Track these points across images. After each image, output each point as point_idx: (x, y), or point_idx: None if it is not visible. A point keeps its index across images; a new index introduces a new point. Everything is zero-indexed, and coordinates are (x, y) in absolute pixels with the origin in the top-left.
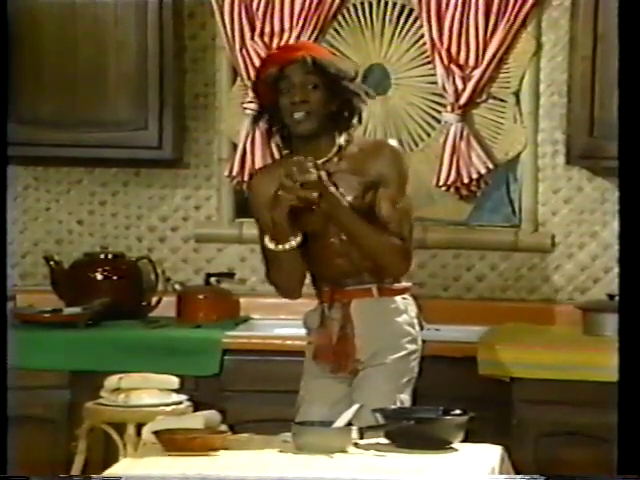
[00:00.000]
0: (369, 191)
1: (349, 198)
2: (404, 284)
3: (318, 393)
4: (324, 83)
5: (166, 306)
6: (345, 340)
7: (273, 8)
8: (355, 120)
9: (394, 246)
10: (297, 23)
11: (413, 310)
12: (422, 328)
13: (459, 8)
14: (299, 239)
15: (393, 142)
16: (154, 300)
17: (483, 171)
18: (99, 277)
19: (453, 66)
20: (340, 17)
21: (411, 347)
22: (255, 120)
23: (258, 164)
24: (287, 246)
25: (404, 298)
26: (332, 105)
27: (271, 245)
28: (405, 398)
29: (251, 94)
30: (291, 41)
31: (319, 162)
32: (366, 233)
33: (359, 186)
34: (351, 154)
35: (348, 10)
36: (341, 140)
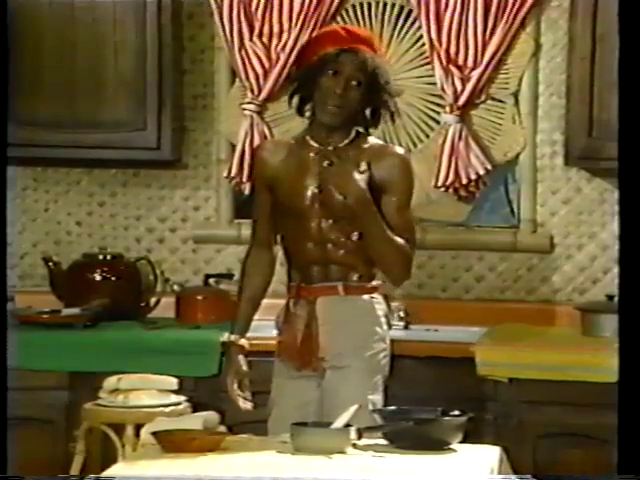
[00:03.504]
0: (371, 187)
1: (351, 189)
2: (373, 283)
3: (288, 395)
4: (368, 84)
5: (165, 307)
6: (309, 338)
7: (272, 9)
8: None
9: (405, 253)
10: (296, 24)
11: (381, 309)
12: (390, 327)
13: (458, 9)
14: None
15: (401, 150)
16: (153, 301)
17: (482, 172)
18: (98, 278)
19: (452, 67)
20: (339, 18)
21: (378, 346)
22: (290, 81)
23: None
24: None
25: (372, 297)
26: (363, 105)
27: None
28: (377, 399)
29: (250, 94)
30: (290, 42)
31: (330, 148)
32: (386, 237)
33: (362, 180)
34: (360, 148)
35: (347, 11)
36: (354, 134)
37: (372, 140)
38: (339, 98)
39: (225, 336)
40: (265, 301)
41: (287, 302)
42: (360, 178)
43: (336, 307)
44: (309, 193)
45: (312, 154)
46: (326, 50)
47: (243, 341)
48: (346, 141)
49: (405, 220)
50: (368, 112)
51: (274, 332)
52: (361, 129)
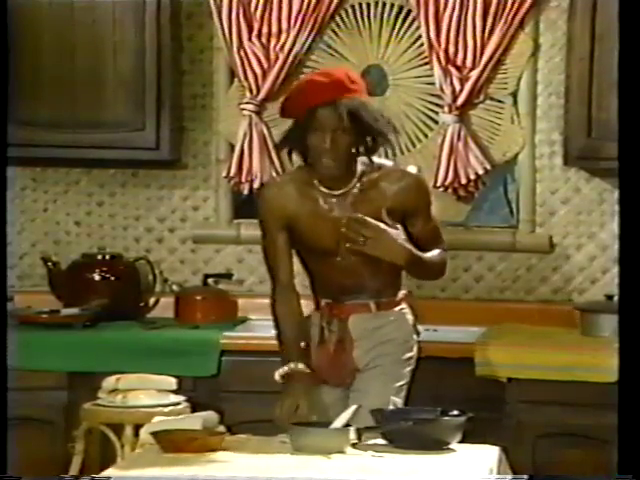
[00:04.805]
0: (392, 215)
1: (395, 251)
2: (400, 294)
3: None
4: (355, 127)
5: (164, 307)
6: (343, 355)
7: (271, 9)
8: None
9: (444, 261)
10: (295, 24)
11: (410, 318)
12: (418, 334)
13: (457, 9)
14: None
15: (413, 169)
16: (152, 301)
17: (481, 172)
18: (97, 278)
19: (451, 67)
20: (338, 18)
21: (407, 354)
22: (279, 144)
23: (256, 165)
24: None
25: (401, 308)
26: (359, 144)
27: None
28: (398, 402)
29: (248, 95)
30: (288, 42)
31: (339, 192)
32: (429, 265)
33: (381, 211)
34: (371, 180)
35: (346, 11)
36: (361, 168)
37: (377, 164)
38: (330, 151)
39: (286, 368)
40: (268, 301)
41: (319, 321)
42: (397, 234)
43: (368, 323)
44: (334, 235)
45: (326, 198)
46: (303, 109)
47: (302, 366)
48: (354, 181)
49: (433, 230)
50: (369, 139)
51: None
52: (364, 162)
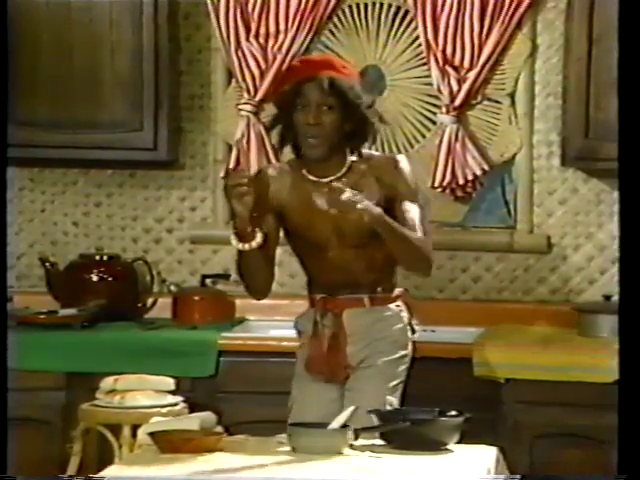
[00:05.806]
0: (380, 205)
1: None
2: (396, 292)
3: (310, 394)
4: (340, 105)
5: (162, 307)
6: (337, 349)
7: (268, 9)
8: (367, 142)
9: (425, 244)
10: (292, 24)
11: (405, 317)
12: (414, 332)
13: (454, 10)
14: (259, 240)
15: (401, 157)
16: (150, 301)
17: (478, 172)
18: (94, 278)
19: (448, 67)
20: (335, 18)
21: (402, 352)
22: (269, 129)
23: (253, 165)
24: (247, 246)
25: (397, 305)
26: (345, 127)
27: (236, 244)
28: (394, 401)
29: (246, 95)
30: (286, 42)
31: (328, 180)
32: (405, 235)
33: (373, 201)
34: (360, 171)
35: (343, 11)
36: (351, 158)
37: (367, 155)
38: (315, 128)
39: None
40: (266, 302)
41: (313, 314)
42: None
43: (363, 318)
44: (326, 229)
45: (316, 189)
46: (290, 84)
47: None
48: (344, 170)
49: (414, 219)
50: (357, 135)
51: (290, 333)
52: (354, 153)
